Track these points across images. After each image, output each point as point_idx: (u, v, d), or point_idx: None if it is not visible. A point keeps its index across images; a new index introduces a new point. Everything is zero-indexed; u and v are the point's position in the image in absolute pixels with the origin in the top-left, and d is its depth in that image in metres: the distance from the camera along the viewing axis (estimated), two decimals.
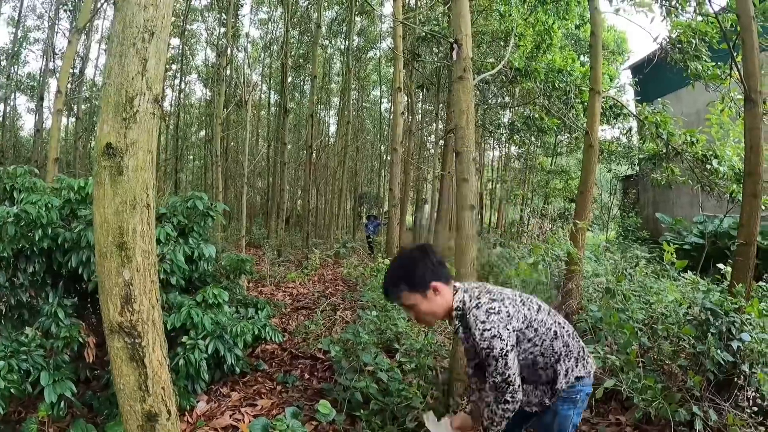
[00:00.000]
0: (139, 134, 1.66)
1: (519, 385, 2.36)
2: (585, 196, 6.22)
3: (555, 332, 2.49)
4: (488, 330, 2.25)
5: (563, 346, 2.50)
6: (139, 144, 1.66)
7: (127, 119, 1.63)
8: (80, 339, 3.93)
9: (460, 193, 4.44)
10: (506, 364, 2.29)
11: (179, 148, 23.07)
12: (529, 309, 2.42)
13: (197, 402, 4.39)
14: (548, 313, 2.53)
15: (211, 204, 5.02)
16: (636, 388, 3.74)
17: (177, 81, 22.90)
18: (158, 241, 4.48)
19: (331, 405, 3.87)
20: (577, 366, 2.53)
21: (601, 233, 16.60)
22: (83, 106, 19.15)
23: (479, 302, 2.32)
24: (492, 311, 2.28)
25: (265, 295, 7.46)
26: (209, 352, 4.34)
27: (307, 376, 5.07)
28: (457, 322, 2.41)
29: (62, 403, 3.68)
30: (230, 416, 4.25)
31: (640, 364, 4.01)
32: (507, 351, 2.27)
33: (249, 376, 5.02)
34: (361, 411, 4.08)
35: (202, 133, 26.81)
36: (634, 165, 14.28)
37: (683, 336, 3.93)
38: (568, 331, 2.57)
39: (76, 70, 17.39)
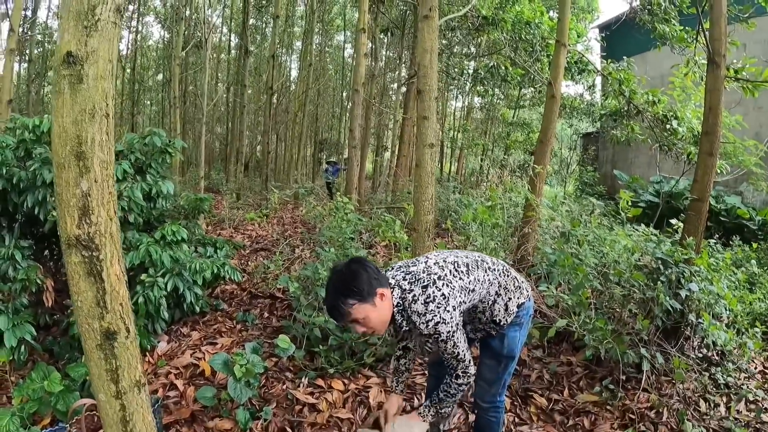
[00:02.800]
0: (100, 43, 1.59)
1: (470, 360, 2.45)
2: (544, 145, 6.29)
3: (489, 281, 2.56)
4: (430, 320, 2.27)
5: (498, 287, 2.59)
6: (100, 52, 1.60)
7: (88, 27, 1.57)
8: (38, 281, 3.84)
9: (420, 131, 4.43)
10: (454, 344, 2.35)
11: (136, 91, 22.32)
12: (460, 278, 2.44)
13: (158, 342, 4.39)
14: (478, 266, 2.56)
15: (169, 141, 4.91)
16: (587, 329, 3.88)
17: (134, 23, 21.94)
18: (116, 179, 4.38)
19: (290, 341, 3.90)
20: (514, 297, 2.63)
21: (560, 187, 16.90)
22: (36, 50, 18.25)
23: (414, 295, 2.32)
24: (429, 300, 2.29)
25: (224, 237, 7.40)
26: (168, 289, 4.31)
27: (266, 314, 5.10)
28: (399, 318, 2.39)
29: (23, 348, 3.63)
30: (191, 355, 4.27)
31: (592, 306, 4.15)
32: (452, 332, 2.32)
33: (209, 316, 5.03)
34: (320, 347, 4.15)
35: (160, 76, 25.93)
36: (596, 122, 14.46)
37: (634, 282, 4.06)
38: (498, 270, 2.65)
39: (29, 12, 16.48)
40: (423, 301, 2.28)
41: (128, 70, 21.76)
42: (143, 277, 4.26)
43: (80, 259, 1.62)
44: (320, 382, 3.87)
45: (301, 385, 3.83)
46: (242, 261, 7.11)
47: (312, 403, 3.63)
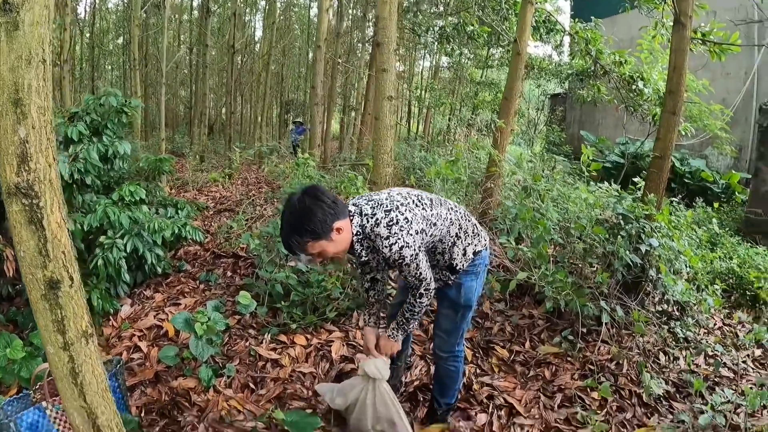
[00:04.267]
0: None
1: (431, 278, 2.47)
2: (509, 101, 6.27)
3: (450, 219, 2.56)
4: (395, 243, 2.27)
5: (458, 229, 2.59)
6: None
7: None
8: None
9: (379, 84, 4.39)
10: (417, 266, 2.37)
11: (95, 56, 21.59)
12: (423, 208, 2.44)
13: (121, 306, 4.33)
14: (441, 204, 2.58)
15: (126, 101, 4.77)
16: (548, 281, 3.93)
17: None
18: (71, 141, 4.29)
19: (252, 298, 3.89)
20: (472, 243, 2.65)
21: (527, 147, 16.98)
22: None
23: (377, 219, 2.29)
24: (392, 223, 2.27)
25: (187, 200, 7.27)
26: (128, 250, 4.23)
27: (229, 273, 5.07)
28: (358, 247, 2.37)
29: None
30: (154, 317, 4.24)
31: (552, 260, 4.21)
32: (416, 254, 2.33)
33: (172, 278, 4.98)
34: (282, 303, 4.16)
35: (120, 40, 25.11)
36: (563, 83, 14.48)
37: (595, 236, 4.11)
38: (459, 213, 2.66)
39: None
40: (386, 224, 2.27)
41: (87, 35, 21.01)
42: (102, 239, 4.18)
43: (20, 207, 1.59)
44: (283, 338, 3.89)
45: (264, 341, 3.83)
46: (206, 222, 7.03)
47: (275, 358, 3.65)
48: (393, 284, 4.27)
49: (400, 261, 2.32)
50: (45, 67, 1.60)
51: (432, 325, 3.93)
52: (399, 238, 2.27)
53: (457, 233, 2.59)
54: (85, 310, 1.75)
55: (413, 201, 2.43)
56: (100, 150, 4.42)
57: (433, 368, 3.29)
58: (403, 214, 2.31)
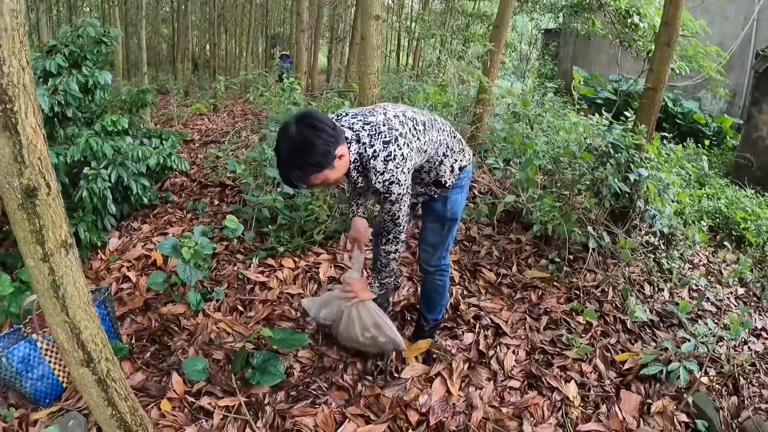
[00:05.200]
0: None
1: (404, 227, 2.46)
2: (500, 30, 6.14)
3: (439, 141, 2.52)
4: (387, 179, 2.22)
5: (446, 148, 2.56)
6: None
7: None
8: None
9: (366, 2, 4.23)
10: (399, 207, 2.35)
11: None
12: (418, 137, 2.38)
13: (109, 239, 4.31)
14: (432, 126, 2.51)
15: (105, 30, 4.63)
16: (535, 206, 3.93)
17: None
18: (50, 74, 4.17)
19: (239, 223, 3.87)
20: (458, 159, 2.63)
21: (519, 81, 16.82)
22: None
23: (375, 151, 2.22)
24: (389, 158, 2.21)
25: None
26: (113, 180, 4.17)
27: (216, 202, 5.03)
28: (355, 174, 2.31)
29: None
30: (142, 247, 4.21)
31: (541, 185, 4.20)
32: (402, 195, 2.30)
33: (159, 209, 4.94)
34: (269, 227, 4.15)
35: None
36: (557, 17, 14.18)
37: (584, 162, 4.09)
38: (447, 131, 2.62)
39: None
40: (383, 159, 2.21)
41: None
42: (86, 170, 4.11)
43: None
44: (271, 261, 3.90)
45: (252, 265, 3.85)
46: (192, 154, 6.91)
47: (263, 281, 3.67)
48: None
49: (387, 195, 2.28)
50: None
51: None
52: (393, 174, 2.22)
53: (444, 152, 2.56)
54: (64, 219, 1.72)
55: (410, 129, 2.35)
56: (80, 81, 4.31)
57: (420, 288, 3.32)
58: (401, 149, 2.24)
